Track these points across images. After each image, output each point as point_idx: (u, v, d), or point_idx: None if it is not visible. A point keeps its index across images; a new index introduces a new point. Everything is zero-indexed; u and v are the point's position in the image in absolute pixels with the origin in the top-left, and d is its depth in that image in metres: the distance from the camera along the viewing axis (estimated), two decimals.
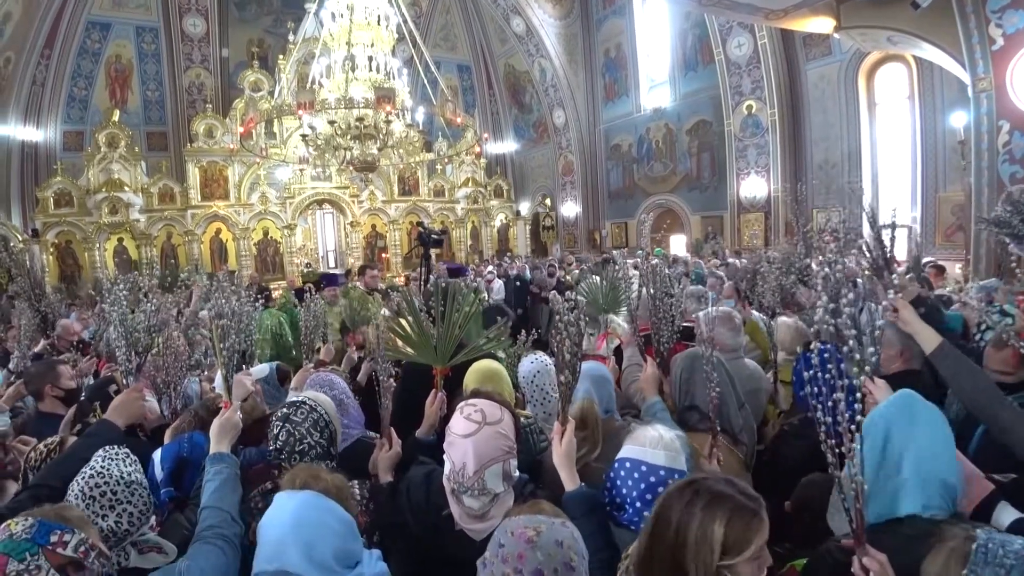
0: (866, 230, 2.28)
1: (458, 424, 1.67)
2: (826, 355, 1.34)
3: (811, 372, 1.35)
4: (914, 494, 1.38)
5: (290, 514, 1.38)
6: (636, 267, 4.91)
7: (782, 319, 3.44)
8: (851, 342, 1.36)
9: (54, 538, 1.15)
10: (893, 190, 11.50)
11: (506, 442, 1.65)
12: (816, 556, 1.53)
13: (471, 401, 1.73)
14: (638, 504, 1.48)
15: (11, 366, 4.10)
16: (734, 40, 12.87)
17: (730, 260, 9.42)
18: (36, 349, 4.41)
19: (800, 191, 5.69)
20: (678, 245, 15.93)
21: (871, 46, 10.06)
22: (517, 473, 1.70)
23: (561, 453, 1.67)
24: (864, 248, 2.28)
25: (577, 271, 9.25)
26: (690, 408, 2.21)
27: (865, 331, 1.53)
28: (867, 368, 1.34)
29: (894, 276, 2.32)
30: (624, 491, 1.51)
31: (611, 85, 17.48)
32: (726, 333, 2.87)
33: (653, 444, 1.54)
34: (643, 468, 1.50)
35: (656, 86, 16.18)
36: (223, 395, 2.07)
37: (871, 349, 1.39)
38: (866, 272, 2.30)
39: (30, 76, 14.19)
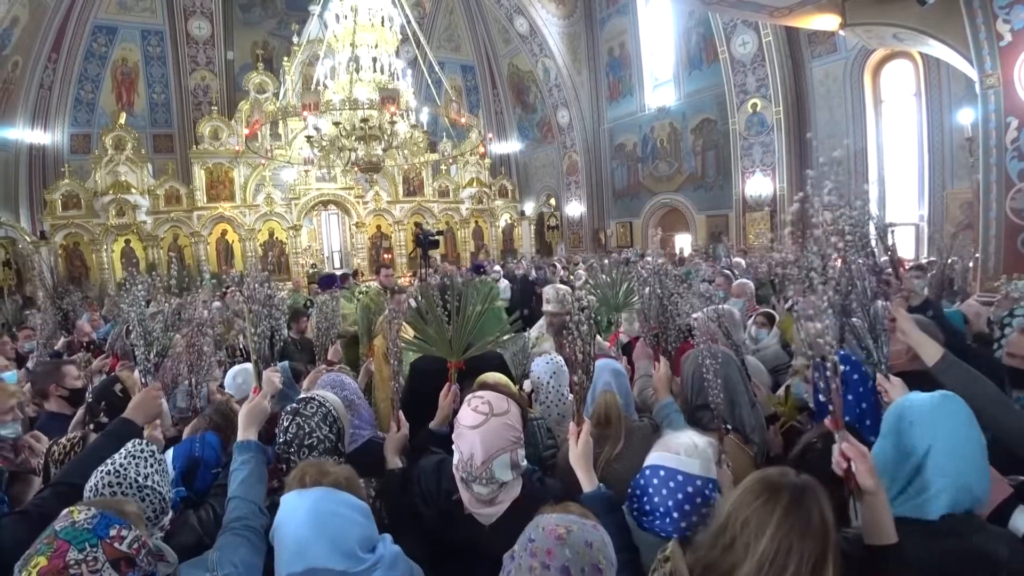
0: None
1: (466, 416, 1.69)
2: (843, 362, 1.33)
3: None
4: (946, 495, 1.35)
5: (307, 512, 1.39)
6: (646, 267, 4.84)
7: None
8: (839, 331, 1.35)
9: (113, 532, 1.17)
10: (900, 188, 11.45)
11: (513, 432, 1.67)
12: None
13: (478, 393, 1.76)
14: (675, 514, 1.45)
15: (29, 365, 4.15)
16: (738, 38, 12.84)
17: (735, 259, 9.38)
18: (56, 347, 4.45)
19: (806, 180, 5.65)
20: (683, 244, 15.91)
21: (877, 43, 10.01)
22: (525, 463, 1.72)
23: (578, 453, 1.66)
24: (872, 248, 2.23)
25: (584, 271, 9.19)
26: (702, 407, 2.19)
27: (875, 328, 1.52)
28: (881, 366, 1.33)
29: (898, 278, 2.26)
30: (657, 500, 1.48)
31: (615, 84, 17.48)
32: (729, 330, 2.86)
33: (688, 452, 1.51)
34: (679, 478, 1.47)
35: (660, 85, 16.16)
36: (254, 382, 2.09)
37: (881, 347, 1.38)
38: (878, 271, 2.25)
39: (37, 80, 14.29)
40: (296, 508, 1.41)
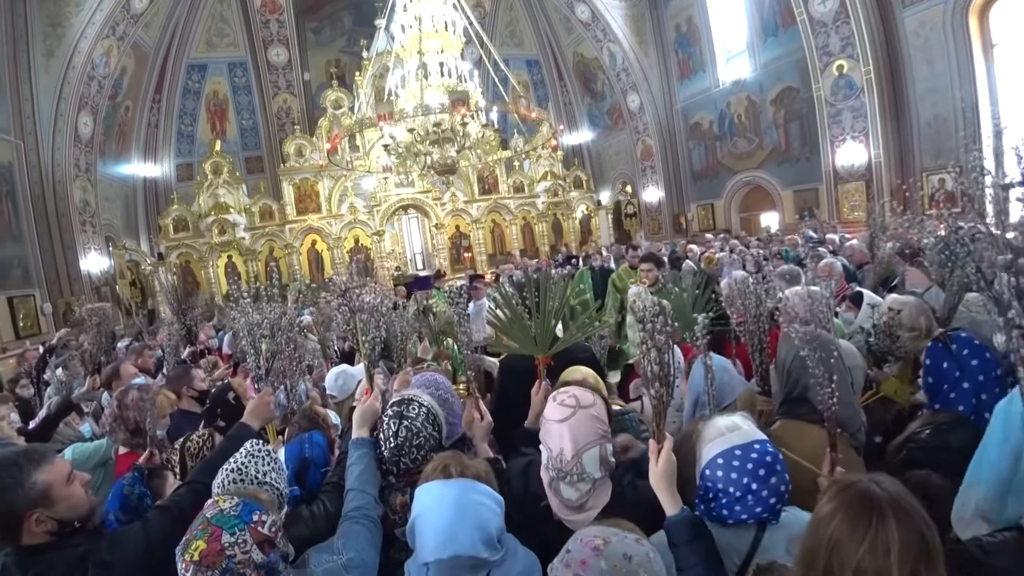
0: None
1: (552, 411, 1.68)
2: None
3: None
4: None
5: (453, 501, 1.45)
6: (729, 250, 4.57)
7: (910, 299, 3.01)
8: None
9: (255, 517, 1.31)
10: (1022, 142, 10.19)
11: (601, 426, 1.65)
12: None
13: (563, 389, 1.75)
14: (754, 486, 1.41)
15: (165, 371, 4.70)
16: None
17: (829, 236, 8.77)
18: (183, 355, 5.01)
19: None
20: (769, 223, 15.09)
21: None
22: (614, 460, 1.69)
23: (659, 473, 1.51)
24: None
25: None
26: (800, 400, 1.97)
27: None
28: None
29: None
30: (731, 488, 1.43)
31: (685, 62, 16.82)
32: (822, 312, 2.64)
33: (731, 429, 1.51)
34: (737, 452, 1.44)
35: (734, 57, 15.38)
36: (365, 383, 2.24)
37: None
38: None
39: (145, 119, 16.24)
40: (442, 497, 1.46)
